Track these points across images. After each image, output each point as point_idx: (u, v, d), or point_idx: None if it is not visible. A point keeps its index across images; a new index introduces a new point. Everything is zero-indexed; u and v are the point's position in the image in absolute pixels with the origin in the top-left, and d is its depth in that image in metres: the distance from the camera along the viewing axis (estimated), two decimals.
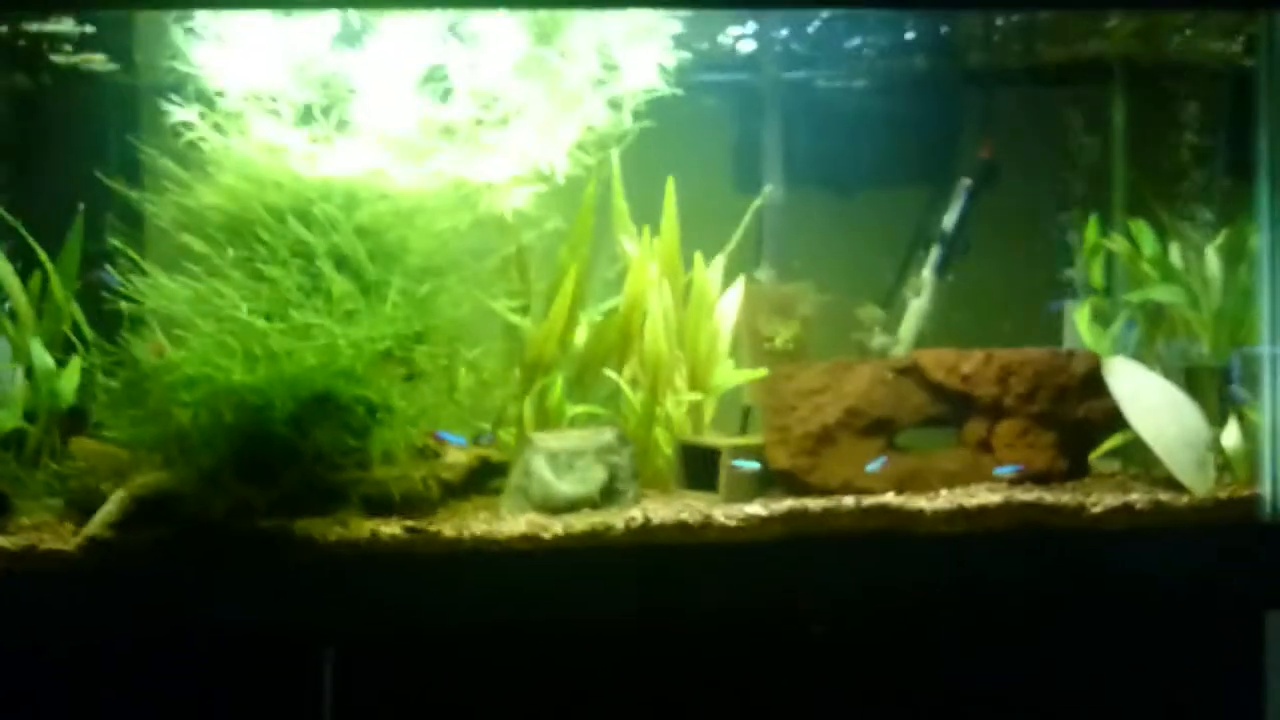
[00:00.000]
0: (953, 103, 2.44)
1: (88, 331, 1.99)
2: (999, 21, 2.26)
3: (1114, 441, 2.10)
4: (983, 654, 1.86)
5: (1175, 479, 1.94)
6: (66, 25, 2.07)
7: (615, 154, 2.09)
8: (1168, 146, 2.27)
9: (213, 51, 1.92)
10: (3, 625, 1.71)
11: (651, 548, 1.82)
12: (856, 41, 2.32)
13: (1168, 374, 2.07)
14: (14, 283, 1.99)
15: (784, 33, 2.28)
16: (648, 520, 1.82)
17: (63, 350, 1.99)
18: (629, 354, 2.12)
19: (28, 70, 2.14)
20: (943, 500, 1.87)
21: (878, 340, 2.25)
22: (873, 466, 1.97)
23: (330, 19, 1.93)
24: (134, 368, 1.86)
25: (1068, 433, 2.00)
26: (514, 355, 2.11)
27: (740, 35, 2.25)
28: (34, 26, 2.07)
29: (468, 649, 1.80)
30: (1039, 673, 1.88)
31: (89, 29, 2.09)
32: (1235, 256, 2.03)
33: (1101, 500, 1.88)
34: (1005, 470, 1.97)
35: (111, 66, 2.18)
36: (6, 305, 2.02)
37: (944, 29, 2.28)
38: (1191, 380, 2.08)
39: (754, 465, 1.96)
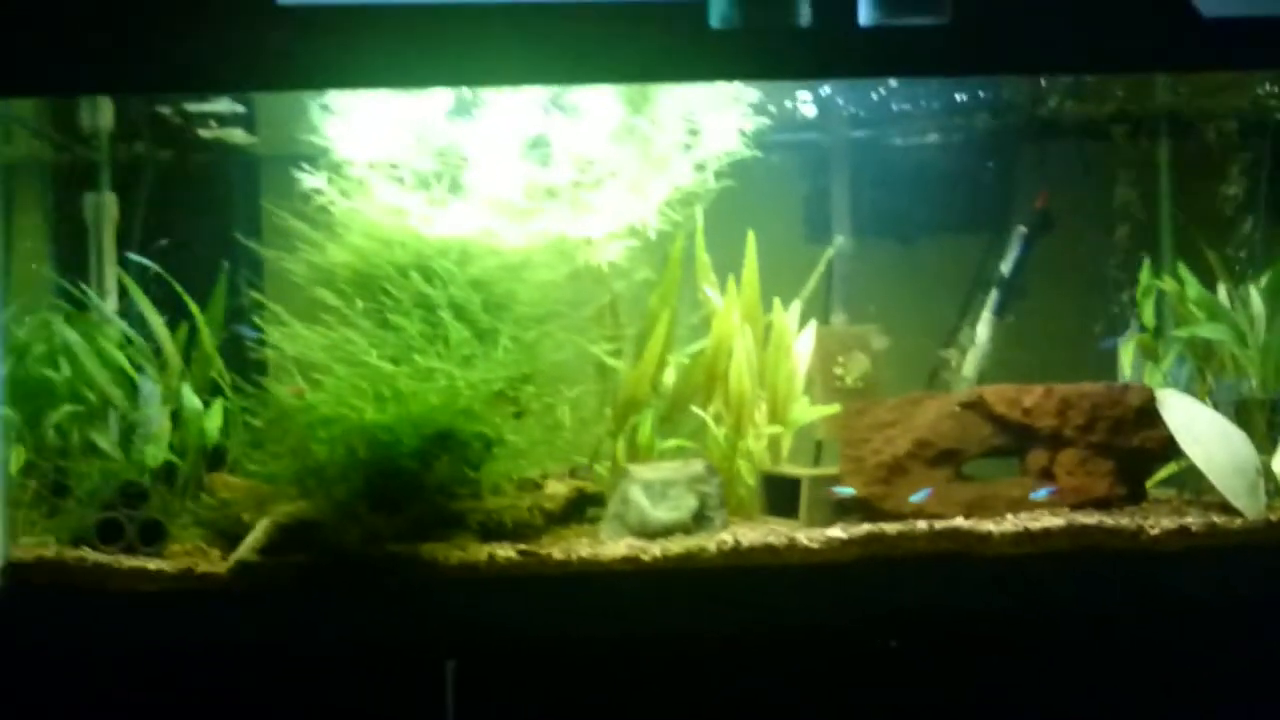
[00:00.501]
0: (1009, 156, 2.62)
1: (227, 377, 2.21)
2: (1049, 81, 2.43)
3: (1168, 470, 2.25)
4: (1046, 667, 2.00)
5: (1228, 503, 2.08)
6: (207, 104, 2.31)
7: (699, 210, 2.29)
8: (1214, 193, 2.43)
9: (342, 125, 2.16)
10: (165, 638, 1.92)
11: (741, 569, 1.99)
12: (919, 101, 2.50)
13: (1220, 407, 2.23)
14: (164, 332, 2.22)
15: (849, 96, 2.47)
16: (738, 543, 2.00)
17: (207, 394, 2.21)
18: (713, 393, 2.31)
19: (173, 144, 2.38)
20: (1009, 524, 2.04)
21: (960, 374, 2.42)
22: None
23: (445, 95, 2.16)
24: (275, 409, 2.08)
25: (1125, 461, 2.15)
26: (609, 395, 2.30)
27: (809, 99, 2.44)
28: (181, 106, 2.31)
29: (575, 661, 1.97)
30: (1098, 685, 2.01)
31: (226, 107, 2.33)
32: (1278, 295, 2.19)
33: (1159, 523, 2.03)
34: (1040, 494, 2.12)
35: (247, 139, 2.41)
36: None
37: (999, 87, 2.46)
38: (1241, 412, 2.24)
39: (850, 491, 2.11)
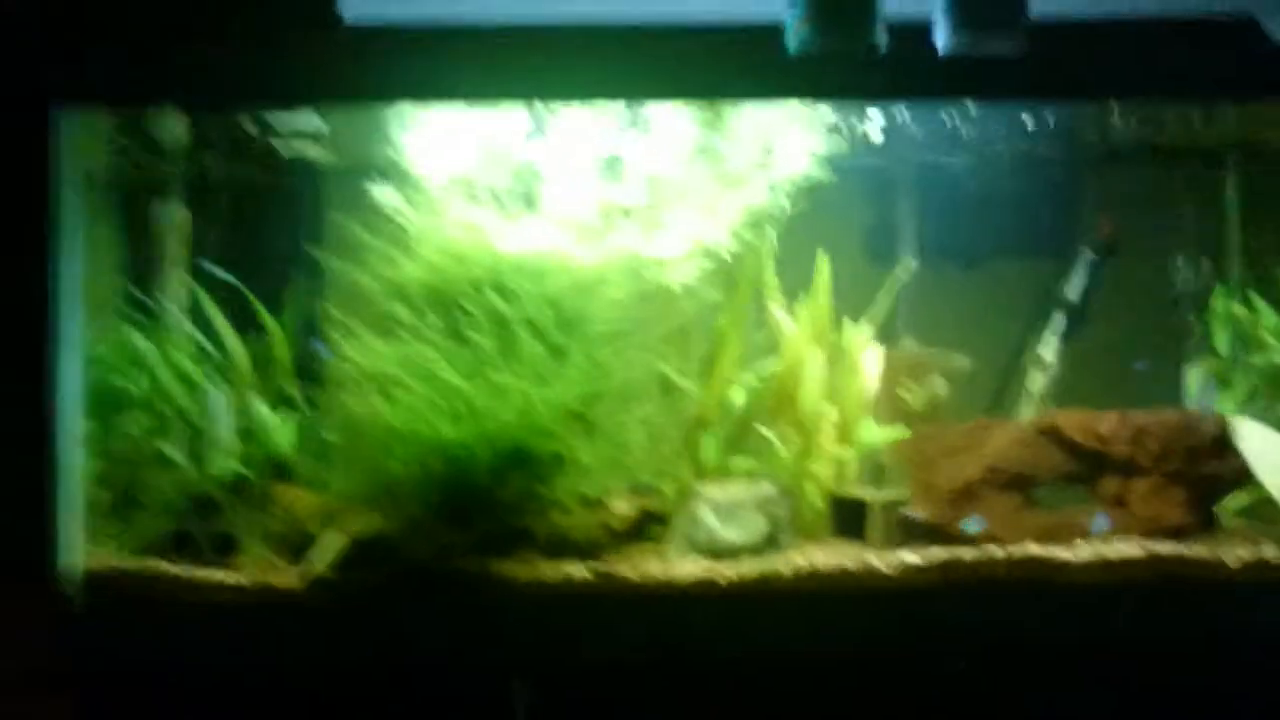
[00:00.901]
0: (1074, 181, 2.62)
1: (296, 389, 2.22)
2: (1115, 108, 2.43)
3: (1242, 500, 2.24)
4: (1119, 696, 1.99)
5: None
6: (284, 118, 2.33)
7: (769, 232, 2.29)
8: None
9: (419, 141, 2.16)
10: (241, 650, 1.92)
11: (817, 592, 1.98)
12: (985, 127, 2.50)
13: None
14: (236, 344, 2.23)
15: (919, 121, 2.47)
16: (814, 567, 1.99)
17: (278, 406, 2.22)
18: (782, 414, 2.30)
19: (250, 158, 2.40)
20: (1085, 551, 2.02)
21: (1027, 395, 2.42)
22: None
23: (523, 114, 2.16)
24: (347, 423, 2.08)
25: (1198, 490, 2.14)
26: (677, 414, 2.30)
27: (878, 124, 2.44)
28: (258, 120, 2.33)
29: (647, 681, 1.97)
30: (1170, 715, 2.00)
31: (304, 123, 2.34)
32: None
33: (1235, 553, 2.01)
34: (1100, 527, 2.10)
35: (323, 153, 2.43)
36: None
37: (1069, 113, 2.45)
38: None
39: (977, 524, 2.10)
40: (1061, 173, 2.58)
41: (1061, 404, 2.46)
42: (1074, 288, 2.51)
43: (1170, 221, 2.54)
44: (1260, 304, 2.27)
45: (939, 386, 2.36)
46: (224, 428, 2.21)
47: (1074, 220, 2.60)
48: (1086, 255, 2.52)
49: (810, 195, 2.26)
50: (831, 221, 2.44)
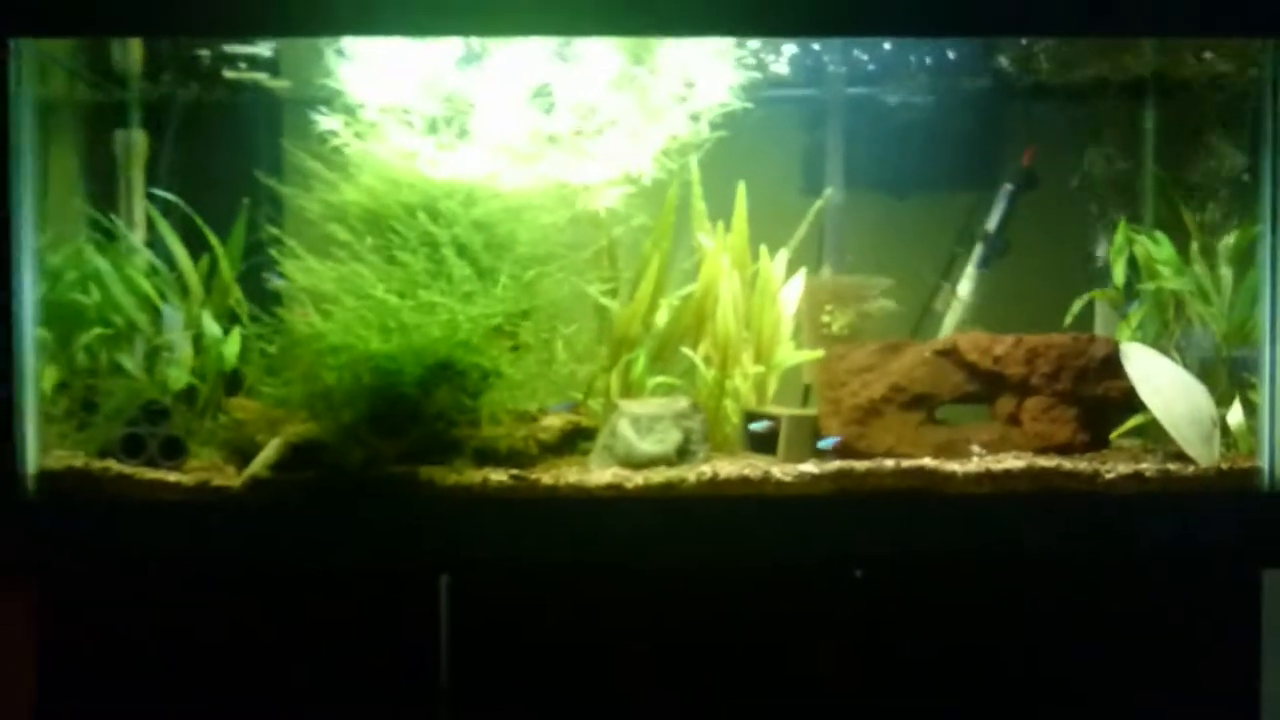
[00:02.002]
0: (996, 115, 2.71)
1: (245, 306, 2.36)
2: (1038, 42, 2.52)
3: (1135, 421, 2.36)
4: (1000, 601, 2.13)
5: (1184, 452, 2.19)
6: (235, 46, 2.45)
7: (694, 160, 2.40)
8: (1193, 154, 2.51)
9: (357, 70, 2.28)
10: (178, 546, 2.08)
11: (717, 499, 2.13)
12: (910, 59, 2.59)
13: (1187, 361, 2.33)
14: (187, 263, 2.37)
15: (844, 53, 2.57)
16: (715, 475, 2.13)
17: (226, 322, 2.37)
18: (702, 334, 2.43)
19: (202, 83, 2.52)
20: (972, 464, 2.16)
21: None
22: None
23: (455, 44, 2.27)
24: (288, 337, 2.22)
25: (1088, 409, 2.27)
26: (603, 333, 2.43)
27: (802, 54, 2.54)
28: (211, 47, 2.44)
29: (559, 580, 2.12)
30: (1049, 619, 2.14)
31: (254, 49, 2.46)
32: (1245, 254, 2.28)
33: (1115, 468, 2.14)
34: (827, 443, 2.24)
35: (272, 81, 2.54)
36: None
37: (989, 48, 2.54)
38: (1206, 367, 2.34)
39: (833, 442, 2.24)
40: (986, 106, 2.67)
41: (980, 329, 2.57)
42: (994, 219, 2.62)
43: (1091, 155, 2.64)
44: (1158, 236, 2.38)
45: (851, 312, 2.48)
46: (177, 341, 2.36)
47: (996, 153, 2.70)
48: (1007, 188, 2.62)
49: (740, 127, 2.37)
50: (764, 153, 2.56)
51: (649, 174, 2.36)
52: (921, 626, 2.12)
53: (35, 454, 2.11)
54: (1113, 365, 2.26)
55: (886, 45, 2.56)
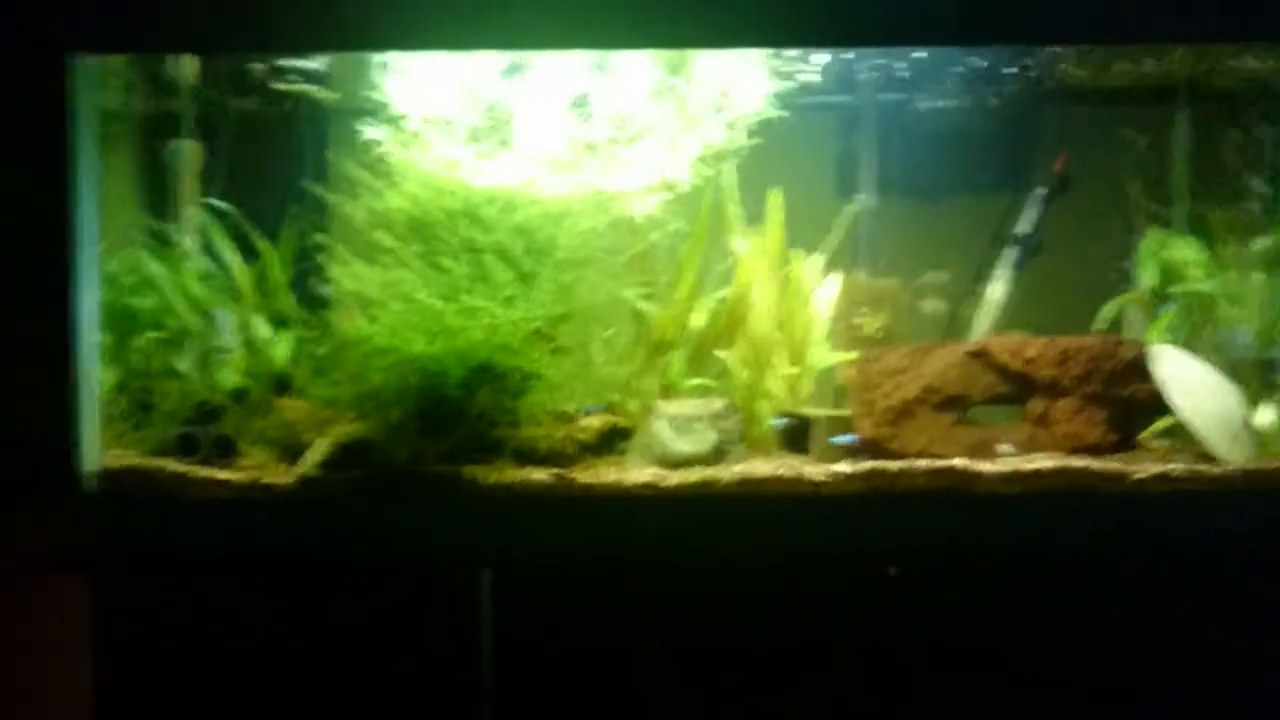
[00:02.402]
0: (1030, 120, 2.74)
1: (295, 310, 2.44)
2: (1071, 50, 2.55)
3: (1166, 422, 2.39)
4: (1031, 598, 2.16)
5: (1213, 453, 2.22)
6: (286, 60, 2.53)
7: (729, 166, 2.45)
8: (1226, 159, 2.53)
9: (400, 82, 2.35)
10: (233, 539, 2.16)
11: (752, 497, 2.18)
12: (944, 66, 2.63)
13: (1219, 363, 2.36)
14: (240, 268, 2.45)
15: (878, 61, 2.61)
16: (750, 474, 2.19)
17: (276, 325, 2.45)
18: (737, 337, 2.48)
19: (256, 96, 2.60)
20: (1003, 464, 2.19)
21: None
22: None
23: (497, 57, 2.34)
24: (336, 340, 2.30)
25: (1117, 410, 2.30)
26: (641, 336, 2.49)
27: (838, 62, 2.58)
28: (261, 61, 2.53)
29: (597, 575, 2.18)
30: (1080, 617, 2.16)
31: (304, 63, 2.54)
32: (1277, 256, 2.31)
33: (1145, 468, 2.17)
34: (842, 439, 2.28)
35: (322, 93, 2.63)
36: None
37: (1021, 55, 2.58)
38: (1238, 369, 2.36)
39: (849, 439, 2.29)
40: (1019, 111, 2.71)
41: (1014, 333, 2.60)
42: (1026, 222, 2.65)
43: (1122, 159, 2.66)
44: (1186, 239, 2.40)
45: (885, 315, 2.52)
46: (229, 343, 2.44)
47: (1029, 157, 2.73)
48: (1039, 192, 2.65)
49: (774, 132, 2.42)
50: (800, 159, 2.61)
51: (685, 181, 2.42)
52: (954, 623, 2.16)
53: (95, 453, 2.19)
54: (1142, 367, 2.29)
55: (919, 53, 2.60)
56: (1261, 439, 2.25)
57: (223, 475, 2.20)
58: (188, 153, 2.61)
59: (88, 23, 2.17)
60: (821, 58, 2.55)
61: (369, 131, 2.37)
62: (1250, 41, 2.35)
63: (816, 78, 2.55)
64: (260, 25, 2.18)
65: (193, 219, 2.58)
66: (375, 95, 2.37)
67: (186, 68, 2.55)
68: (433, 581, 2.16)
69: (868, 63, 2.59)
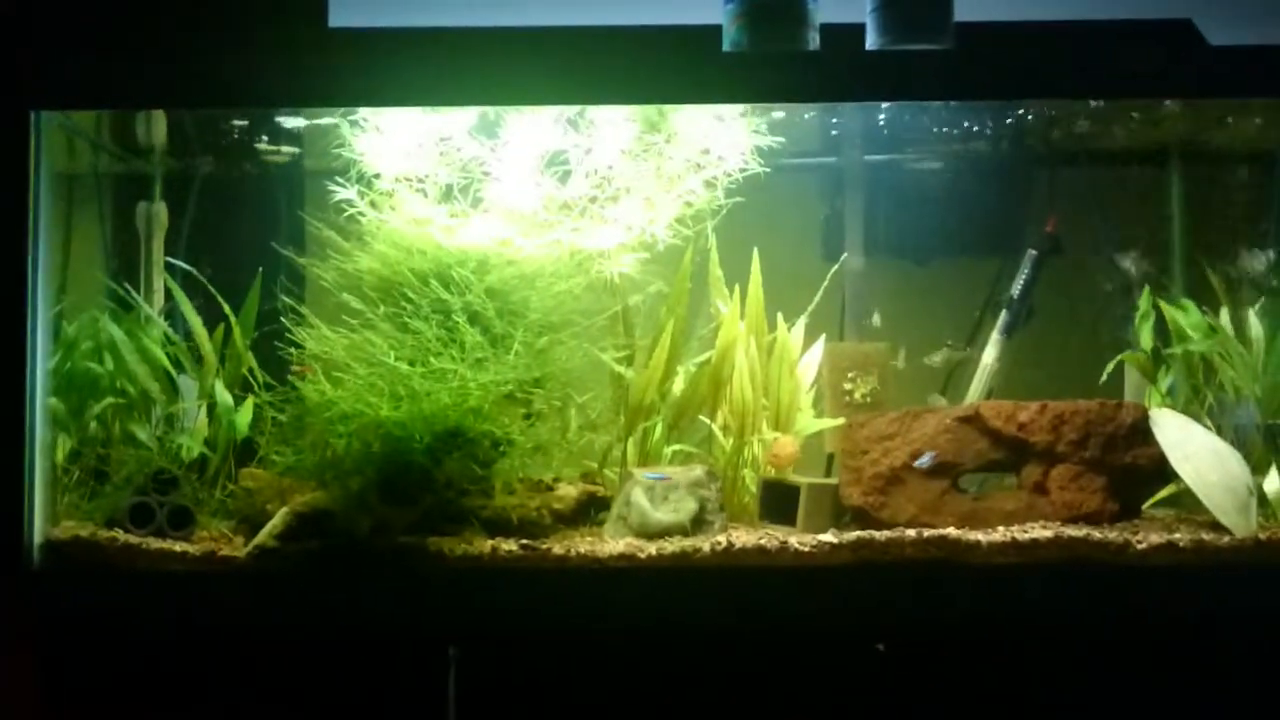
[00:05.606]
0: (1020, 182, 2.68)
1: (260, 376, 2.35)
2: (1060, 109, 2.49)
3: (1168, 490, 2.28)
4: (1028, 674, 2.04)
5: (1219, 522, 2.11)
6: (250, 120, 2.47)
7: (710, 226, 2.38)
8: (1221, 221, 2.47)
9: (371, 141, 2.29)
10: (184, 615, 2.05)
11: (733, 569, 2.07)
12: (932, 126, 2.57)
13: (1220, 428, 2.26)
14: (202, 332, 2.37)
15: (866, 119, 2.55)
16: (731, 544, 2.08)
17: (239, 391, 2.36)
18: (719, 402, 2.39)
19: (224, 156, 2.55)
20: (998, 534, 2.08)
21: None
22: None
23: (469, 113, 2.28)
24: (298, 405, 2.20)
25: (1117, 477, 2.19)
26: (619, 401, 2.39)
27: (830, 122, 2.52)
28: (233, 121, 2.47)
29: (571, 651, 2.06)
30: (1080, 693, 2.04)
31: (271, 123, 2.48)
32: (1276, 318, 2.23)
33: (1147, 538, 2.06)
34: (923, 461, 2.18)
35: (293, 152, 2.57)
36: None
37: (1012, 115, 2.52)
38: (1240, 434, 2.26)
39: (928, 459, 2.20)
40: (1009, 172, 2.64)
41: (1006, 396, 2.51)
42: (1018, 285, 2.57)
43: (1115, 220, 2.60)
44: (1183, 300, 2.32)
45: (874, 380, 2.43)
46: (191, 410, 2.35)
47: (1020, 219, 2.66)
48: (1031, 254, 2.57)
49: (760, 194, 2.35)
50: (784, 220, 2.55)
51: (664, 240, 2.34)
52: (945, 703, 2.03)
53: (42, 524, 2.09)
54: (1143, 432, 2.19)
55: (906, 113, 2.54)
56: (1270, 508, 2.15)
57: (177, 547, 2.09)
58: (155, 214, 2.54)
59: (52, 78, 2.11)
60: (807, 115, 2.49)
61: (340, 192, 2.30)
62: (1242, 97, 2.28)
63: (801, 135, 2.48)
64: (230, 82, 2.14)
65: (162, 282, 2.50)
66: (346, 153, 2.30)
67: (154, 127, 2.49)
68: (397, 658, 2.04)
69: (851, 120, 2.53)
